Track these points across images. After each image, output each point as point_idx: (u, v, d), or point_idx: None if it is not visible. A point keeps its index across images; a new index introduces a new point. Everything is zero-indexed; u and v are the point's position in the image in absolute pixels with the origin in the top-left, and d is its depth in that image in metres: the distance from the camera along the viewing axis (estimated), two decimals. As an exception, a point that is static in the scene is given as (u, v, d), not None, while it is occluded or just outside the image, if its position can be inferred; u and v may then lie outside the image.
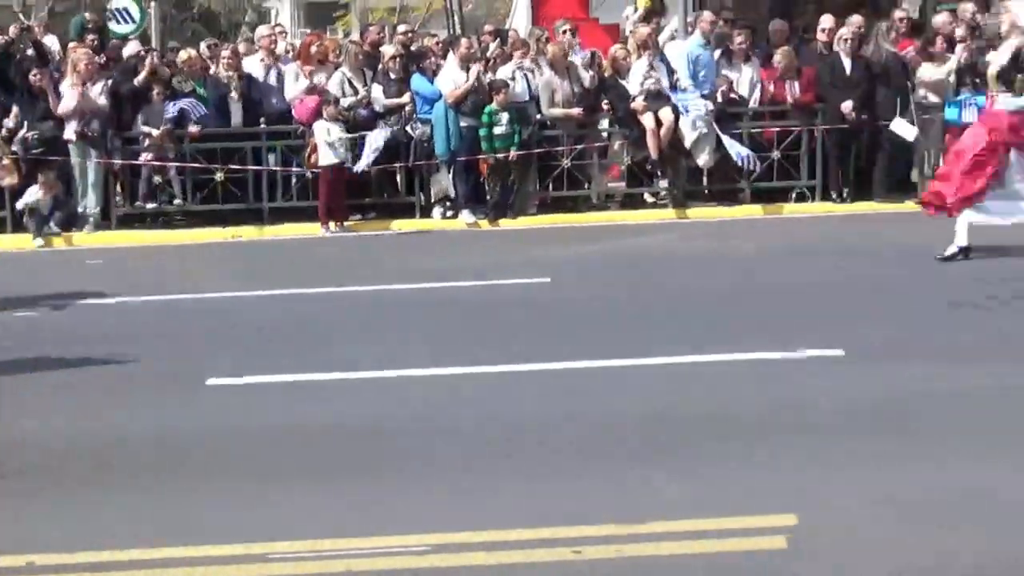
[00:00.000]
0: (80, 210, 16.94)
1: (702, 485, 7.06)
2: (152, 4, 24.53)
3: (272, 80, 17.52)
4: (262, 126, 17.01)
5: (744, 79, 17.30)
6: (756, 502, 6.73)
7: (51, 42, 18.91)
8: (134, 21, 22.32)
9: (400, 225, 16.96)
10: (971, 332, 10.31)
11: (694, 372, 9.42)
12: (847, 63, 16.92)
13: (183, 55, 17.92)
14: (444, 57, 17.76)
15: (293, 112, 17.10)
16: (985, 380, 8.83)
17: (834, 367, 9.40)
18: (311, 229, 16.72)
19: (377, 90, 17.01)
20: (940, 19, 18.08)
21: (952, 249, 12.76)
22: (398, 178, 17.40)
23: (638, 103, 16.87)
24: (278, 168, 17.08)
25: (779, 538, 6.25)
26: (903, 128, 16.45)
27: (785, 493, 6.86)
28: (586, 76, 17.32)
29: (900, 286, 12.15)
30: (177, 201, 17.08)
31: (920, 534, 6.28)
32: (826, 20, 17.57)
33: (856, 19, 17.54)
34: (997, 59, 12.62)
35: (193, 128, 16.70)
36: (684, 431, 8.04)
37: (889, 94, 16.78)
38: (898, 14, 18.55)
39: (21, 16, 27.92)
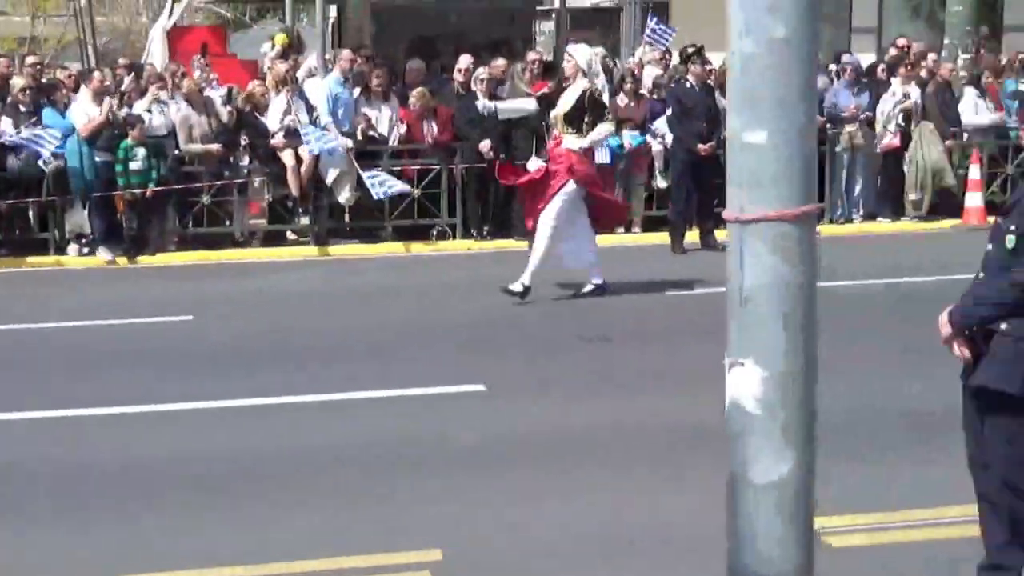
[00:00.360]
0: None
1: (347, 521, 7.08)
2: None
3: None
4: None
5: (383, 118, 17.44)
6: (401, 538, 6.78)
7: None
8: None
9: (33, 263, 16.38)
10: (606, 366, 10.65)
11: (336, 409, 9.43)
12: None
13: None
14: (76, 90, 17.30)
15: (-85, 145, 16.33)
16: (622, 413, 9.14)
17: (476, 402, 9.56)
18: (-64, 268, 15.99)
19: (6, 123, 16.41)
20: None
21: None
22: (30, 214, 16.80)
23: (278, 140, 16.82)
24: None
25: (424, 573, 6.32)
26: (537, 167, 16.86)
27: (429, 528, 6.93)
28: (224, 112, 17.16)
29: (539, 322, 12.45)
30: None
31: (563, 567, 6.45)
32: (463, 60, 17.90)
33: (500, 62, 17.97)
34: (564, 103, 13.08)
35: None
36: (325, 467, 8.05)
37: (525, 134, 17.19)
38: (532, 56, 19.05)
39: None
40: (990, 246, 5.63)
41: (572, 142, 12.88)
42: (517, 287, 12.92)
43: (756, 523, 3.66)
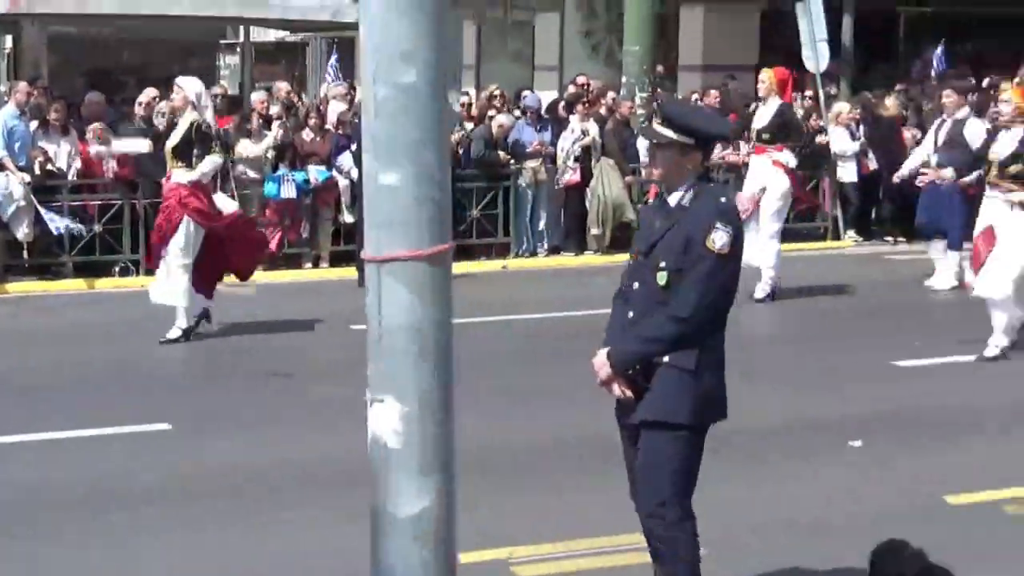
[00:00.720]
0: None
1: (23, 568, 6.90)
2: None
3: None
4: None
5: (62, 152, 16.98)
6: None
7: None
8: None
9: None
10: (291, 401, 10.63)
11: (16, 451, 9.19)
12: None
13: None
14: None
15: None
16: (306, 447, 9.14)
17: (161, 440, 9.43)
18: None
19: None
20: (257, 96, 18.59)
21: (175, 332, 12.80)
22: None
23: (-50, 174, 16.20)
24: None
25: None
26: (224, 203, 16.58)
27: (108, 571, 6.83)
28: None
29: (223, 358, 12.36)
30: None
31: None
32: (145, 94, 17.62)
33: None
34: (174, 136, 12.85)
35: None
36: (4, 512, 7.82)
37: (210, 169, 16.99)
38: (215, 90, 18.88)
39: None
40: (636, 284, 5.78)
41: (181, 176, 12.69)
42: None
43: (396, 556, 3.73)
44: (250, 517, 7.77)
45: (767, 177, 15.00)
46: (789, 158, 15.25)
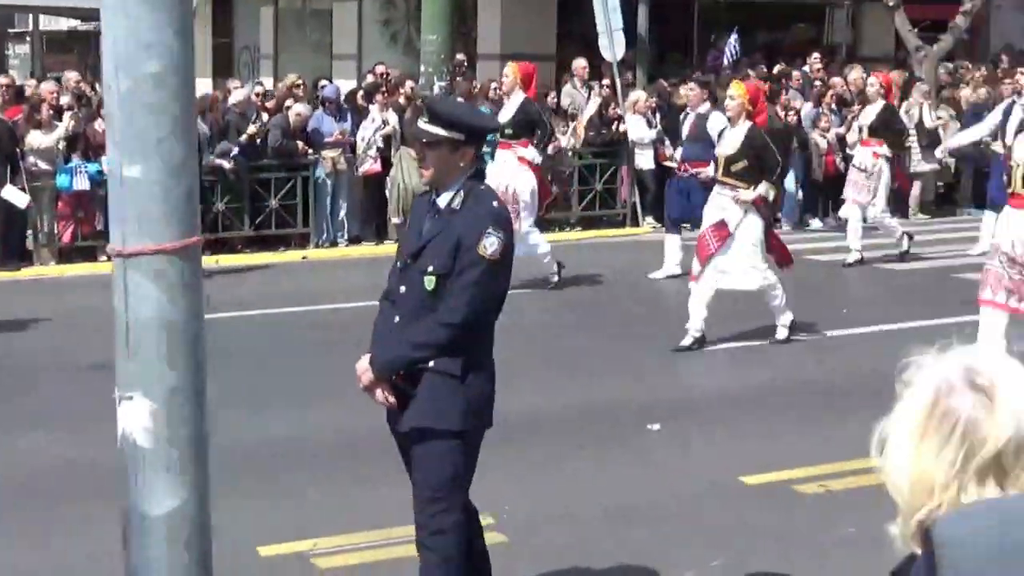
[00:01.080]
0: None
1: None
2: None
3: None
4: None
5: None
6: None
7: None
8: None
9: None
10: (86, 397, 10.38)
11: None
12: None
13: None
14: None
15: None
16: (98, 443, 8.95)
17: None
18: None
19: None
20: (47, 87, 18.09)
21: None
22: None
23: None
24: None
25: None
26: (15, 195, 16.30)
27: None
28: None
29: (18, 356, 12.03)
30: None
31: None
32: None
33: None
34: None
35: None
36: None
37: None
38: (3, 80, 18.38)
39: None
40: (403, 288, 5.61)
41: None
42: None
43: (150, 555, 3.68)
44: (37, 516, 7.60)
45: (513, 174, 14.88)
46: (533, 154, 15.09)
